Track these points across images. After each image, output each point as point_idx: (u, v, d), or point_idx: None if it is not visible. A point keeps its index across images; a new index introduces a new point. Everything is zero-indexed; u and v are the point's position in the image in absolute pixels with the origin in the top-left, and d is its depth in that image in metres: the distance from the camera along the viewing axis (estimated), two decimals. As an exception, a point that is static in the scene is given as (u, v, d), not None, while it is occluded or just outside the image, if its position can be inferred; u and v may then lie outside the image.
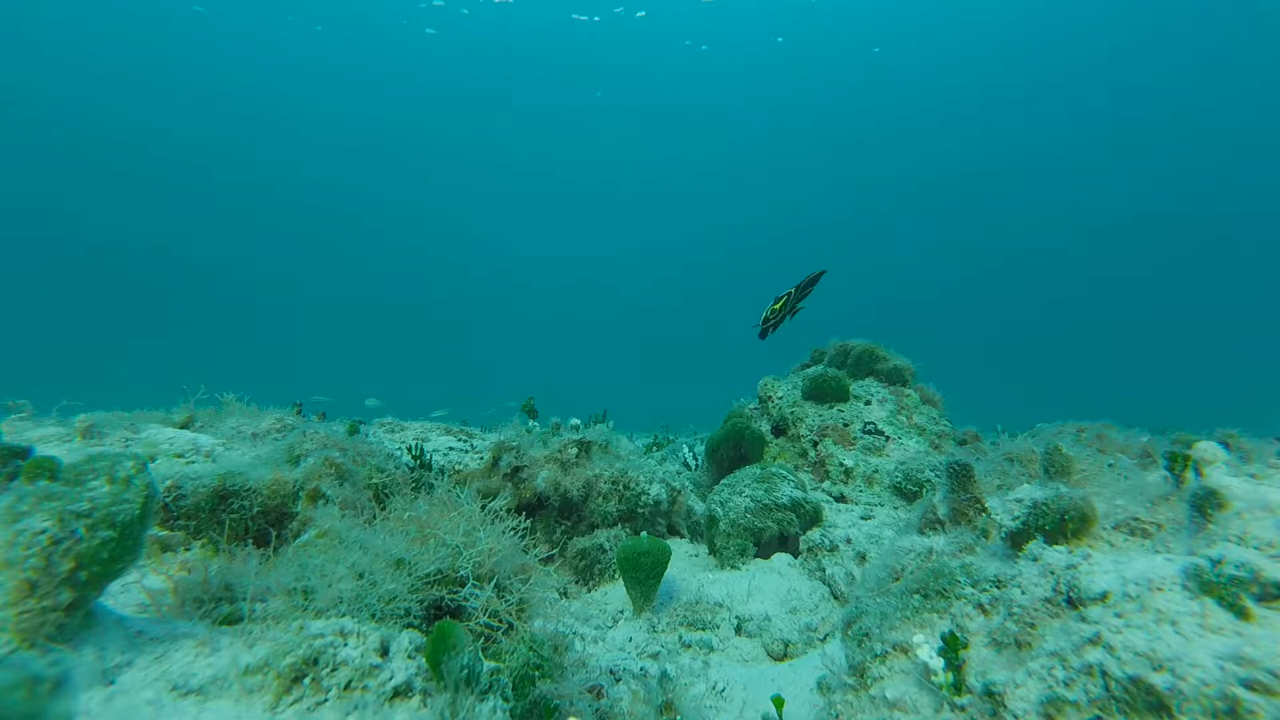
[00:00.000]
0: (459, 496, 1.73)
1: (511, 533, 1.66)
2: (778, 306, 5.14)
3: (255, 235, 52.04)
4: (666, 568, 2.90)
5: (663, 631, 2.77)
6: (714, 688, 2.27)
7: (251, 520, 2.23)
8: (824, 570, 3.25)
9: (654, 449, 6.45)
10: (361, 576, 1.46)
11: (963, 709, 1.23)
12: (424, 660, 1.31)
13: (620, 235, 54.10)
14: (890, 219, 48.42)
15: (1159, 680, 0.99)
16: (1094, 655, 1.09)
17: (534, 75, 33.73)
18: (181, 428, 2.89)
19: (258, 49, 30.56)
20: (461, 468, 3.75)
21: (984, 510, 1.66)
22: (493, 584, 1.58)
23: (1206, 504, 1.31)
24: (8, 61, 28.92)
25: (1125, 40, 28.37)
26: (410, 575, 1.49)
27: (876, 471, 4.38)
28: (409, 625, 1.45)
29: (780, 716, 1.76)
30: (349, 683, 1.23)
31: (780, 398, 5.15)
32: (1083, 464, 1.58)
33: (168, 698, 1.13)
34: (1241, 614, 1.03)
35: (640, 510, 3.61)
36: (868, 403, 5.00)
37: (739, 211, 47.96)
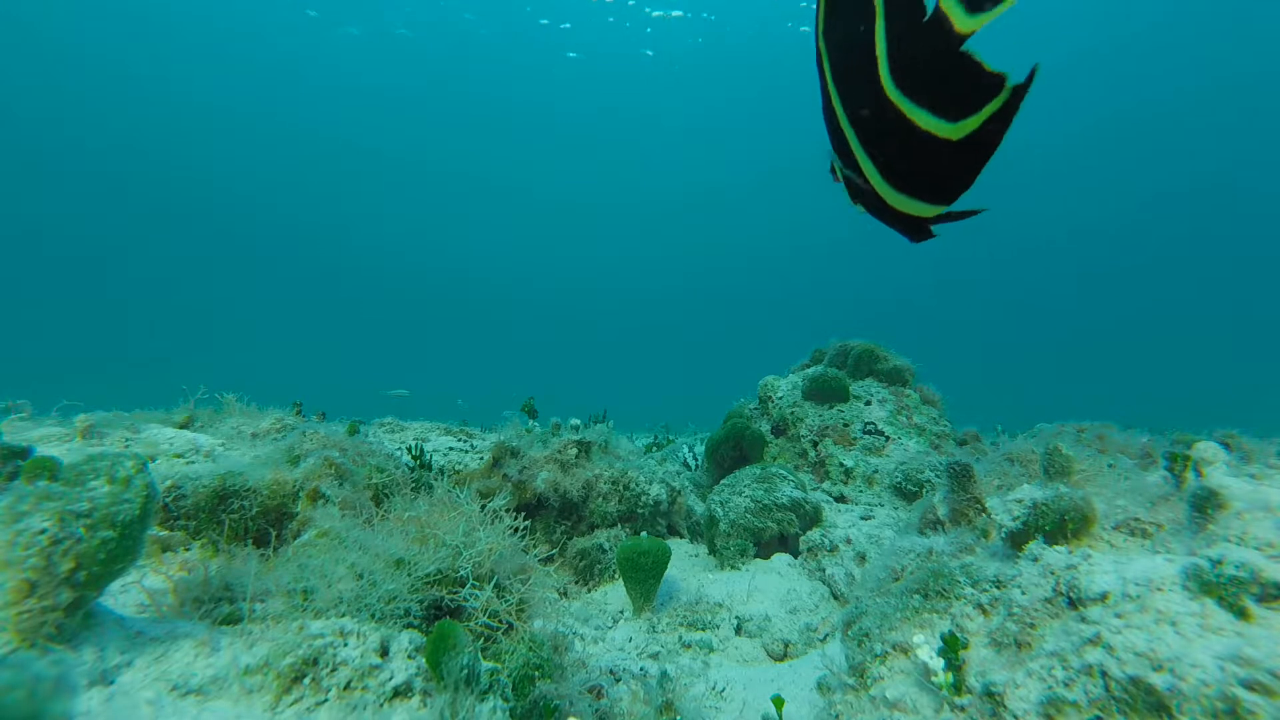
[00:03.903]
0: (459, 496, 1.73)
1: (511, 532, 1.66)
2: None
3: (256, 238, 52.04)
4: (666, 568, 2.90)
5: (663, 632, 2.77)
6: (714, 688, 2.27)
7: (251, 520, 2.23)
8: (824, 570, 3.25)
9: (654, 449, 6.45)
10: (361, 577, 1.46)
11: (963, 709, 1.23)
12: (424, 660, 1.31)
13: (620, 237, 54.12)
14: (890, 219, 48.31)
15: (1159, 680, 0.99)
16: (1094, 655, 1.09)
17: (535, 80, 33.80)
18: (181, 428, 2.89)
19: (257, 54, 30.62)
20: (461, 468, 3.75)
21: (984, 510, 1.66)
22: (492, 584, 1.58)
23: (1206, 504, 1.31)
24: (11, 64, 28.98)
25: (1123, 37, 28.36)
26: (410, 575, 1.49)
27: (876, 472, 4.38)
28: (409, 625, 1.45)
29: (780, 716, 1.76)
30: (349, 683, 1.23)
31: (780, 398, 5.15)
32: (1083, 464, 1.58)
33: (168, 698, 1.13)
34: (1241, 614, 1.03)
35: (640, 510, 3.61)
36: (868, 403, 5.00)
37: (739, 212, 48.00)
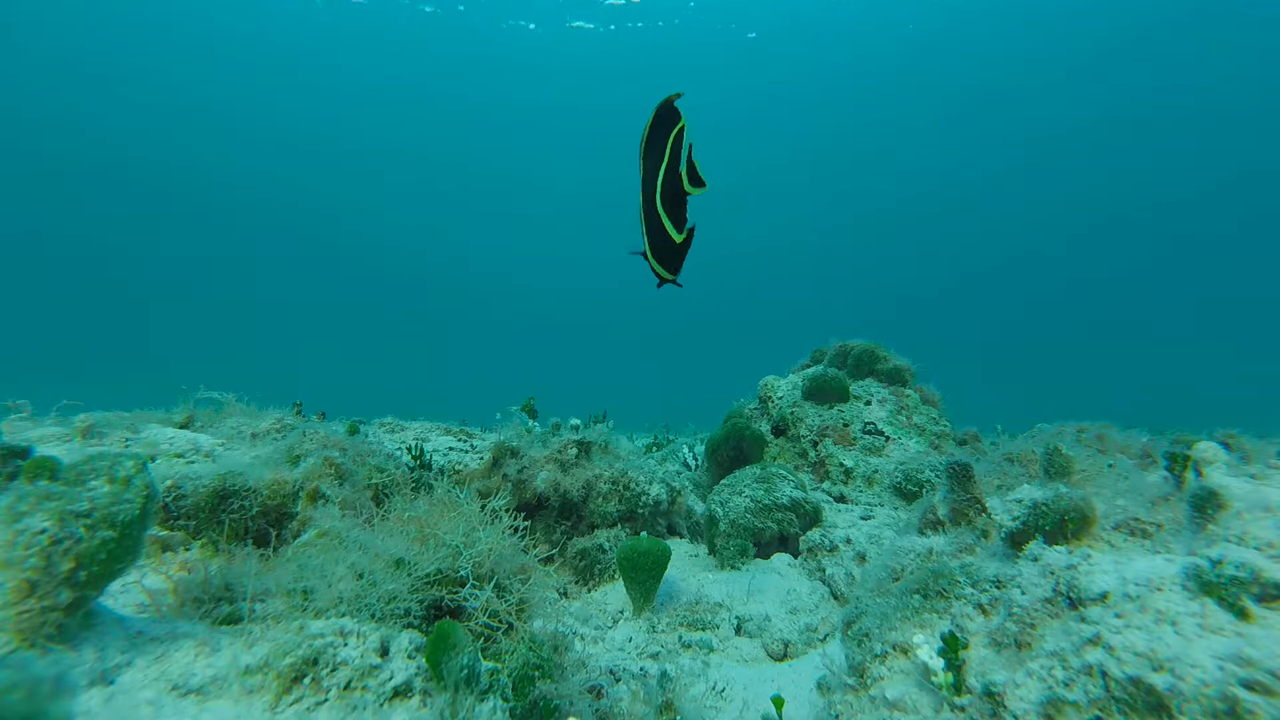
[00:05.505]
0: (459, 496, 1.73)
1: (511, 532, 1.66)
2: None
3: (255, 237, 52.08)
4: (666, 568, 2.90)
5: (662, 632, 2.77)
6: (714, 688, 2.27)
7: (251, 520, 2.23)
8: (824, 570, 3.25)
9: (654, 449, 6.45)
10: (361, 577, 1.46)
11: (962, 709, 1.23)
12: (424, 660, 1.31)
13: (621, 235, 54.03)
14: (889, 219, 48.42)
15: (1159, 680, 0.99)
16: (1094, 655, 1.09)
17: (534, 80, 33.81)
18: (181, 428, 2.88)
19: (255, 56, 30.65)
20: (461, 468, 3.76)
21: (984, 510, 1.66)
22: (492, 584, 1.58)
23: (1206, 504, 1.31)
24: (11, 65, 29.00)
25: (1121, 35, 28.33)
26: (410, 575, 1.49)
27: (876, 472, 4.38)
28: (409, 625, 1.45)
29: (780, 716, 1.76)
30: (349, 683, 1.23)
31: (780, 398, 5.15)
32: (1083, 464, 1.58)
33: (168, 698, 1.13)
34: (1241, 614, 1.03)
35: (640, 510, 3.61)
36: (868, 403, 5.00)
37: (738, 212, 48.00)
